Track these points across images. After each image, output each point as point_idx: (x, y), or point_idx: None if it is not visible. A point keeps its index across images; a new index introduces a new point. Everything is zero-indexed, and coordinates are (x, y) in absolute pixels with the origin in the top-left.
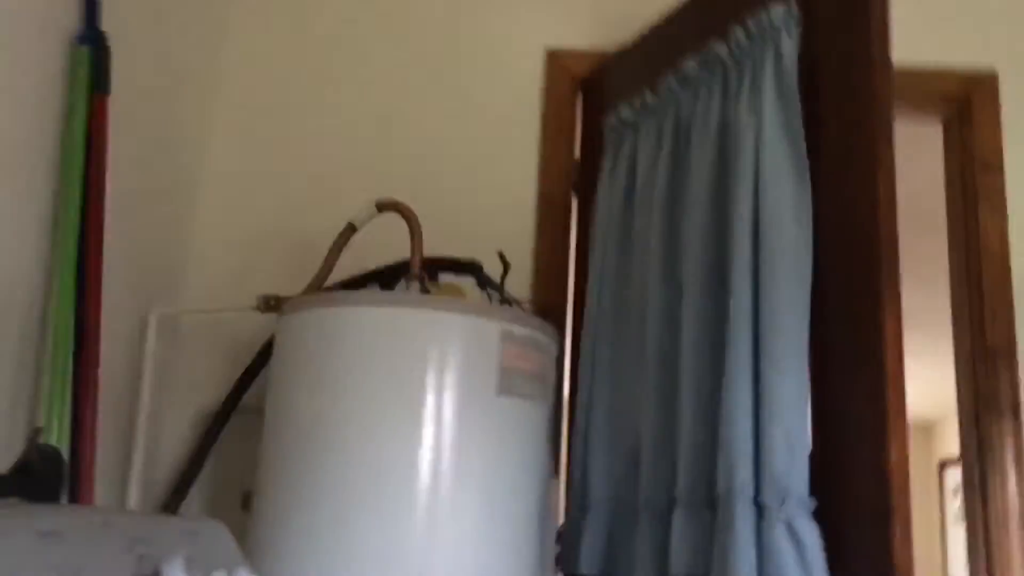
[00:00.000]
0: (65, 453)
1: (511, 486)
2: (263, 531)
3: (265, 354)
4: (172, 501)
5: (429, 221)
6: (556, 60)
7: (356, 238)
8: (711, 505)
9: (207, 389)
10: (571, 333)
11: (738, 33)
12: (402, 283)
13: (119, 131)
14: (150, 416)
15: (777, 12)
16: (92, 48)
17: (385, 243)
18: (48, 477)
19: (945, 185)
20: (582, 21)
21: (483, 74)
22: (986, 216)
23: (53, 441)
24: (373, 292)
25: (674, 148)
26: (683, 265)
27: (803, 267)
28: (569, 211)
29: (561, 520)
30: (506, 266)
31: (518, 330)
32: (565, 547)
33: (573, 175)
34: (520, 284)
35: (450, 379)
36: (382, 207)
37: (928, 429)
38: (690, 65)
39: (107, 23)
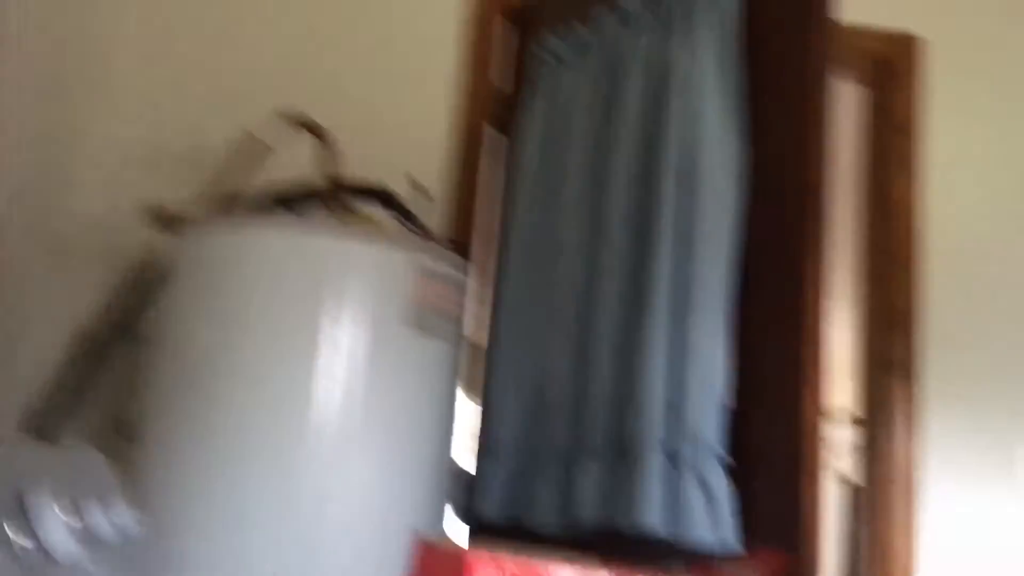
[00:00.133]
0: None
1: (416, 427)
2: (148, 464)
3: (150, 273)
4: (40, 425)
5: (339, 144)
6: None
7: (259, 155)
8: (621, 453)
9: (86, 306)
10: (480, 272)
11: None
12: (309, 207)
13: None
14: (20, 330)
15: None
16: None
17: (290, 163)
18: None
19: (858, 146)
20: None
21: None
22: (897, 179)
23: None
24: (279, 216)
25: (602, 85)
26: (605, 208)
27: (730, 217)
28: (483, 144)
29: (462, 463)
30: (421, 196)
31: (433, 265)
32: (467, 490)
33: (498, 108)
34: (431, 216)
35: (358, 313)
36: (292, 123)
37: None
38: (629, 0)
39: None
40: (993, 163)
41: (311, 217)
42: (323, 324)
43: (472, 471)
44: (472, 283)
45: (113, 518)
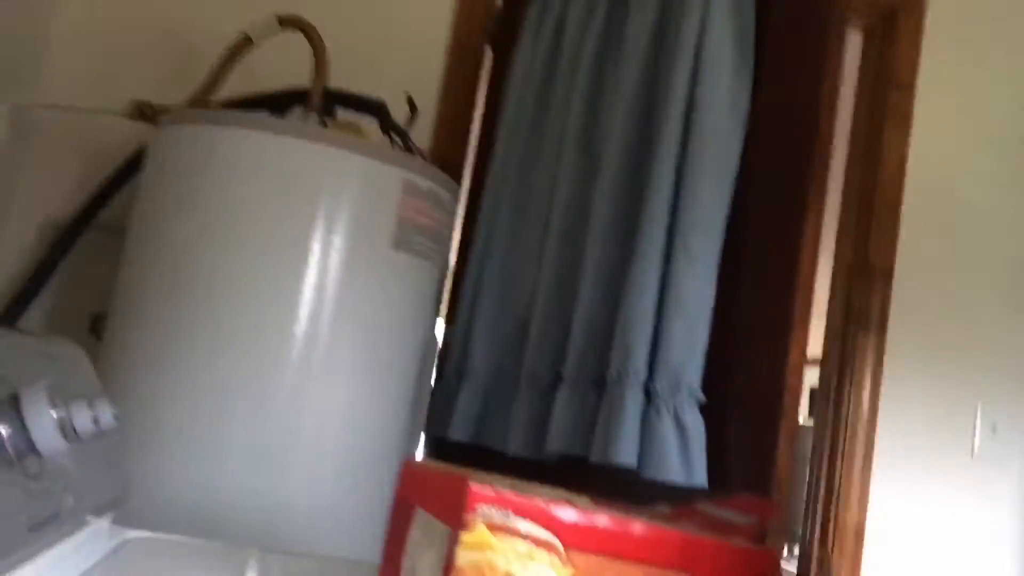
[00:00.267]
0: None
1: (394, 344)
2: (118, 363)
3: (131, 167)
4: (7, 317)
5: (329, 51)
6: None
7: (248, 54)
8: (598, 385)
9: (60, 198)
10: (467, 192)
11: None
12: (297, 112)
13: None
14: None
15: None
16: None
17: (280, 67)
18: None
19: (855, 98)
20: None
21: None
22: (890, 133)
23: None
24: (267, 117)
25: (609, 13)
26: (603, 138)
27: (731, 159)
28: (482, 61)
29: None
30: (414, 111)
31: (421, 182)
32: (436, 410)
33: (496, 25)
34: (420, 133)
35: (342, 225)
36: (284, 22)
37: None
38: None
39: None
40: (982, 124)
41: (296, 121)
42: (302, 231)
43: (442, 391)
44: (459, 203)
45: (97, 415)
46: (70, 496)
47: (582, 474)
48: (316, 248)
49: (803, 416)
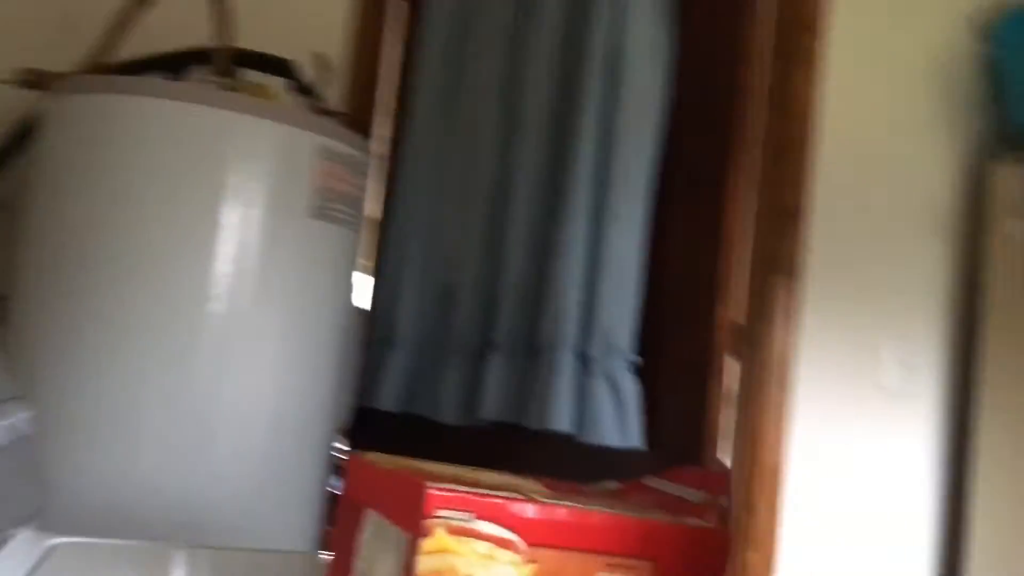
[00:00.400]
0: None
1: (318, 320)
2: (20, 351)
3: (21, 138)
4: None
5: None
6: None
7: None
8: (531, 351)
9: None
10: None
11: None
12: (199, 74)
13: None
14: None
15: None
16: None
17: (182, 29)
18: None
19: (764, 43)
20: None
21: None
22: (798, 77)
23: None
24: (169, 82)
25: None
26: (526, 97)
27: (655, 113)
28: (386, 14)
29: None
30: (326, 70)
31: (337, 146)
32: (364, 381)
33: None
34: (329, 91)
35: (255, 196)
36: None
37: None
38: None
39: None
40: (890, 66)
41: (201, 85)
42: (212, 204)
43: (368, 361)
44: (373, 163)
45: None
46: None
47: (515, 439)
48: (228, 222)
49: None
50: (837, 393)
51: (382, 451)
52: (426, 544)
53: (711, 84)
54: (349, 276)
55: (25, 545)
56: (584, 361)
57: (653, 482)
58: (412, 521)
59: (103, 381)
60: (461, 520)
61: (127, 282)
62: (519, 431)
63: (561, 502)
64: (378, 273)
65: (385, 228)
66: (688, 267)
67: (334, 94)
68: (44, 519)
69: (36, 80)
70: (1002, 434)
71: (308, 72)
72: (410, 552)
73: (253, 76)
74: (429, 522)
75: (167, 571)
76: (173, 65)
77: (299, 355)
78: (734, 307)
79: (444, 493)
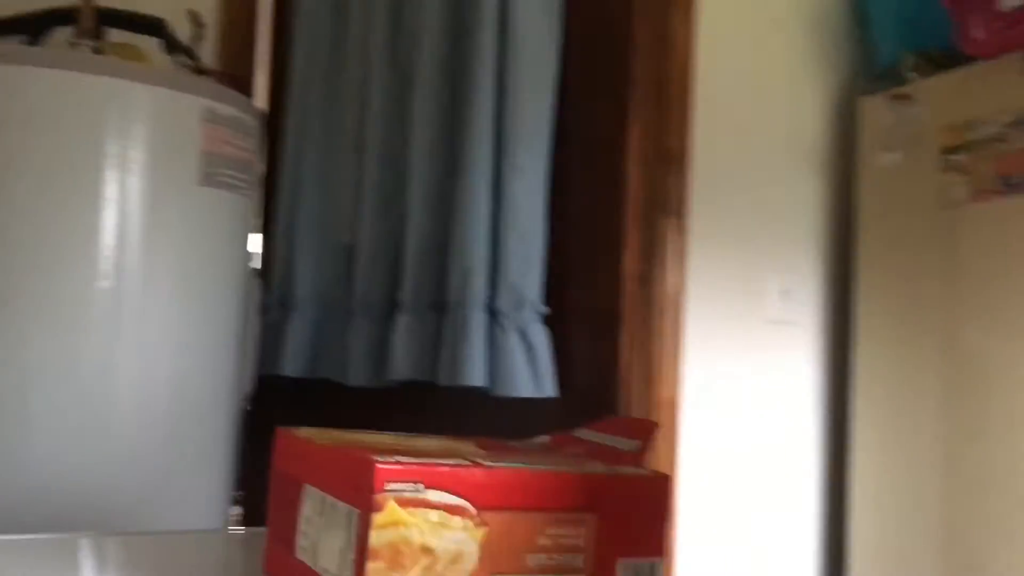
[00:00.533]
0: None
1: (213, 289)
2: None
3: None
4: None
5: None
6: None
7: None
8: (438, 308)
9: None
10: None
11: None
12: (64, 36)
13: None
14: None
15: None
16: None
17: None
18: None
19: None
20: None
21: None
22: (677, 22)
23: None
24: (38, 48)
25: None
26: (413, 50)
27: (549, 65)
28: None
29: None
30: (200, 28)
31: (222, 108)
32: (264, 347)
33: None
34: (205, 51)
35: (138, 165)
36: None
37: None
38: None
39: None
40: (759, 6)
41: (70, 49)
42: (92, 177)
43: (267, 328)
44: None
45: None
46: None
47: (423, 397)
48: (111, 194)
49: None
50: (725, 325)
51: (283, 418)
52: (378, 519)
53: (602, 32)
54: (244, 242)
55: None
56: (494, 315)
57: (584, 434)
58: (362, 496)
59: None
60: (411, 491)
61: (7, 260)
62: (417, 388)
63: (506, 464)
64: (269, 234)
65: (273, 187)
66: (590, 218)
67: (208, 52)
68: None
69: None
70: (878, 357)
71: (180, 31)
72: (362, 527)
73: (121, 36)
74: (380, 496)
75: (75, 562)
76: (34, 27)
77: (196, 327)
78: (635, 252)
79: (393, 466)
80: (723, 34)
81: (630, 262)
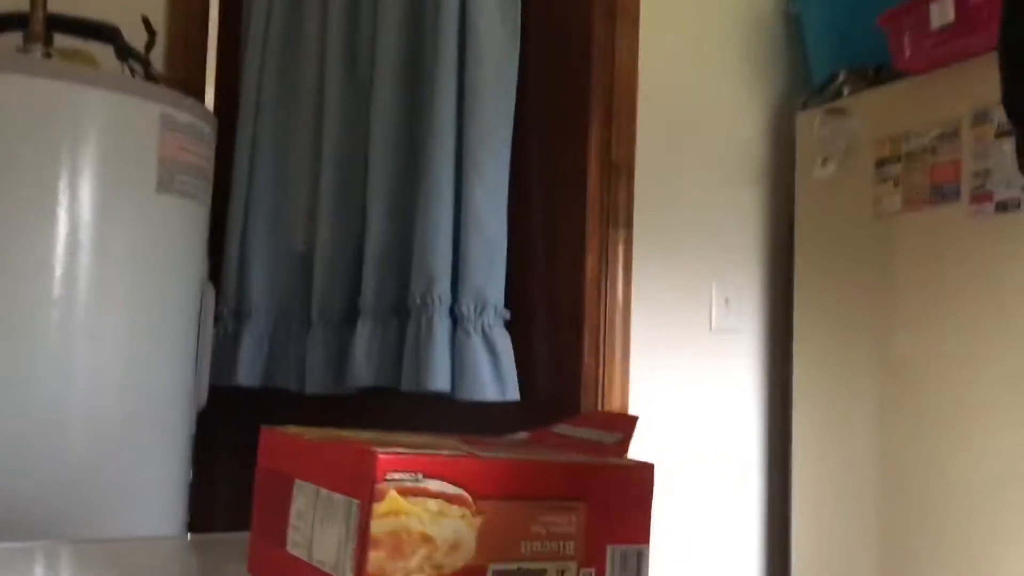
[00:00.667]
0: None
1: (167, 297)
2: None
3: None
4: None
5: None
6: None
7: None
8: (400, 314)
9: None
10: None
11: None
12: (11, 43)
13: None
14: None
15: None
16: None
17: None
18: None
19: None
20: None
21: None
22: (622, 34)
23: None
24: None
25: None
26: (372, 55)
27: (510, 73)
28: None
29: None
30: (152, 34)
31: (180, 116)
32: (218, 358)
33: None
34: (156, 57)
35: (95, 172)
36: None
37: None
38: None
39: None
40: (699, 21)
41: (22, 55)
42: (47, 184)
43: (222, 336)
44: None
45: None
46: None
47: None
48: (67, 201)
49: None
50: (669, 334)
51: (241, 426)
52: (379, 508)
53: (563, 39)
54: (201, 251)
55: None
56: (457, 319)
57: (562, 429)
58: (362, 486)
59: None
60: (412, 481)
61: None
62: (375, 394)
63: (501, 455)
64: (221, 242)
65: (225, 194)
66: (551, 222)
67: (160, 58)
68: None
69: None
70: (816, 363)
71: (131, 37)
72: (363, 517)
73: (71, 43)
74: (381, 486)
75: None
76: None
77: (150, 337)
78: (597, 261)
79: (394, 456)
80: (665, 50)
81: (592, 267)
